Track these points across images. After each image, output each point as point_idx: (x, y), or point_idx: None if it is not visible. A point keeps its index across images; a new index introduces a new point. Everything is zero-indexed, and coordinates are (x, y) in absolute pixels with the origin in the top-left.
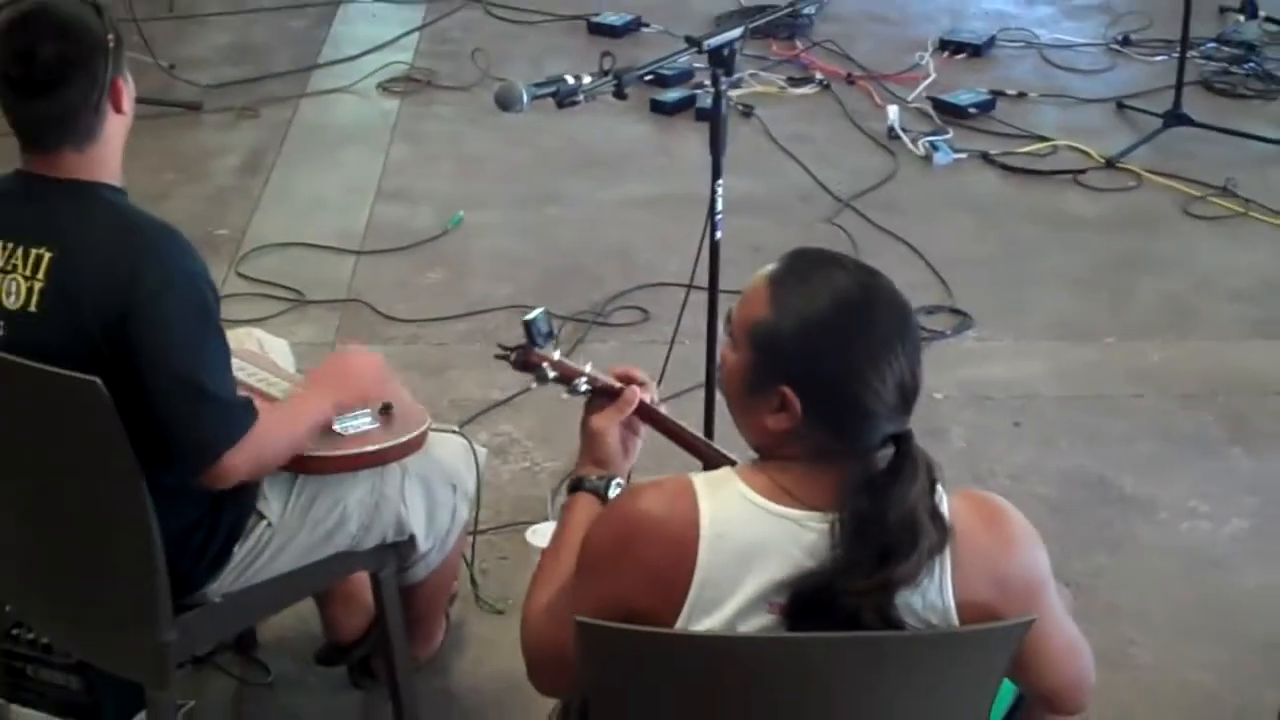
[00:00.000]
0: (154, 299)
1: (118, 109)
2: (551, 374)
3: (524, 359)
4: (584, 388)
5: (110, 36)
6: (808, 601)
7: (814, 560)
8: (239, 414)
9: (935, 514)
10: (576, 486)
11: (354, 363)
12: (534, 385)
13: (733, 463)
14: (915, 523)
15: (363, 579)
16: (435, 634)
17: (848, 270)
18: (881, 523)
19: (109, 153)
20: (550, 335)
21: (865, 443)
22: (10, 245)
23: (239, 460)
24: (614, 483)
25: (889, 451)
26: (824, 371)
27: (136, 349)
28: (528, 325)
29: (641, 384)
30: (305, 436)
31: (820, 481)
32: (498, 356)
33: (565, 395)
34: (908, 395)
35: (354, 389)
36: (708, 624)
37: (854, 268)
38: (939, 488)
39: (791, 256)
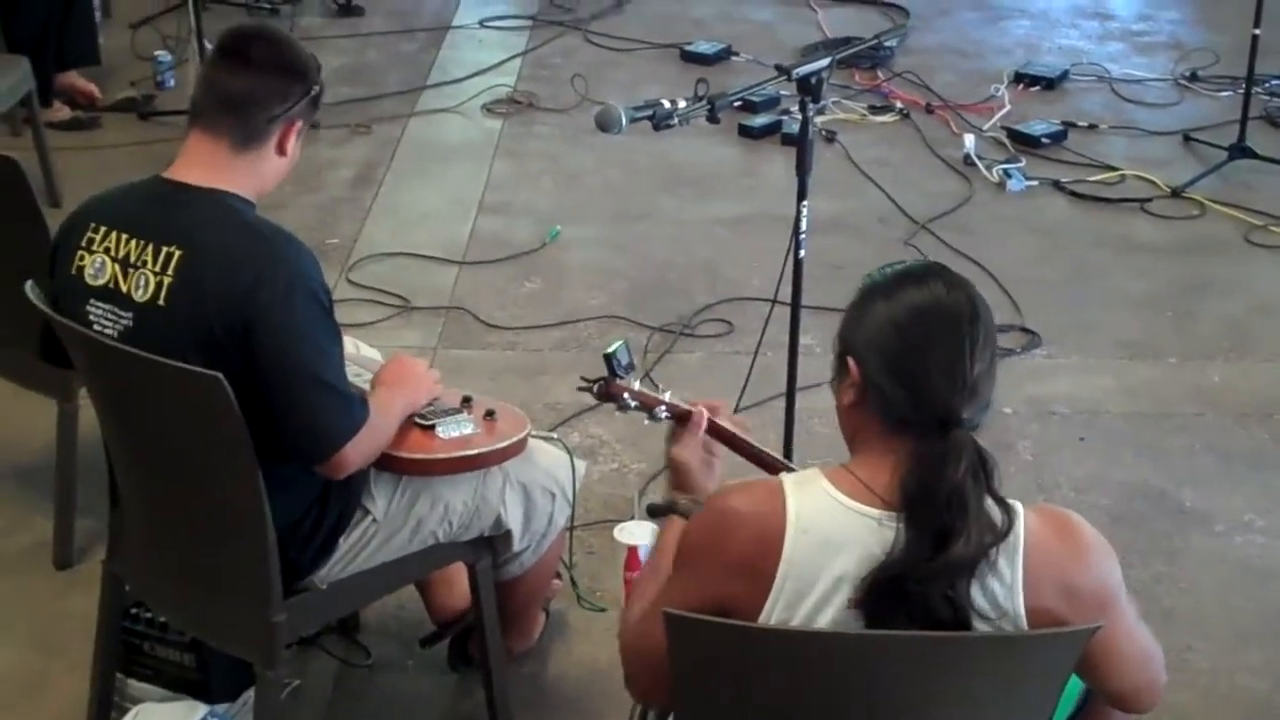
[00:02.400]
0: (281, 302)
1: (281, 145)
2: (632, 403)
3: (606, 390)
4: (664, 415)
5: (317, 87)
6: (881, 593)
7: (891, 551)
8: (357, 409)
9: (999, 500)
10: (668, 510)
11: (414, 366)
12: (616, 413)
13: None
14: (964, 502)
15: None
16: (531, 630)
17: (924, 272)
18: (931, 502)
19: (255, 176)
20: (630, 366)
21: (917, 420)
22: (142, 242)
23: (355, 452)
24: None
25: None
26: (878, 339)
27: (262, 347)
28: (609, 358)
29: (714, 408)
30: (393, 431)
31: (893, 474)
32: (580, 389)
33: (647, 422)
34: (958, 383)
35: (419, 390)
36: (792, 615)
37: (934, 275)
38: (998, 479)
39: (875, 276)
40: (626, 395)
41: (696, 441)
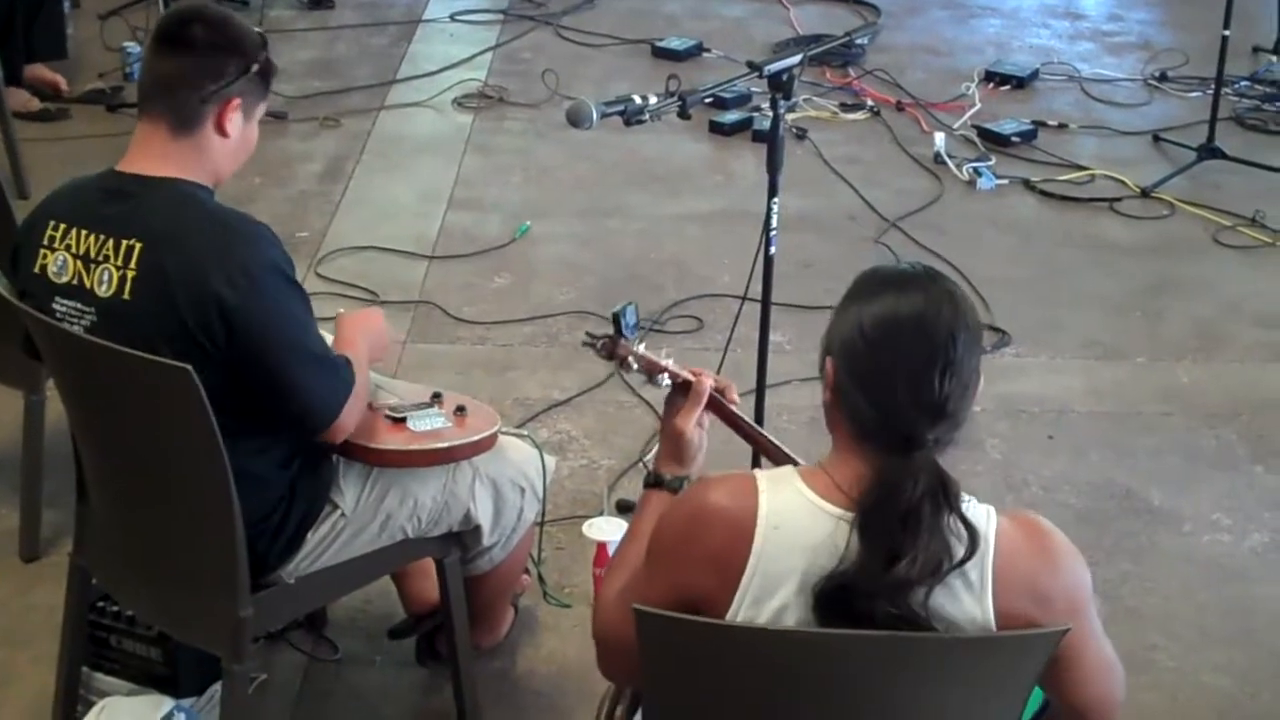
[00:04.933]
0: (253, 285)
1: (220, 125)
2: (635, 365)
3: (611, 349)
4: (665, 382)
5: (256, 64)
6: (828, 599)
7: (845, 558)
8: (346, 372)
9: (965, 522)
10: (655, 483)
11: (373, 317)
12: (619, 372)
13: (795, 462)
14: (918, 525)
15: None
16: (499, 625)
17: (909, 278)
18: (885, 521)
19: (202, 160)
20: (637, 328)
21: (880, 434)
22: (102, 237)
23: (351, 413)
24: (686, 482)
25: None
26: (849, 345)
27: (245, 331)
28: (616, 317)
29: (722, 388)
30: (366, 382)
31: (858, 479)
32: (585, 344)
33: (646, 384)
34: (923, 403)
35: (378, 340)
36: (758, 612)
37: (918, 283)
38: (966, 501)
39: (867, 273)
40: (630, 357)
41: (695, 412)
